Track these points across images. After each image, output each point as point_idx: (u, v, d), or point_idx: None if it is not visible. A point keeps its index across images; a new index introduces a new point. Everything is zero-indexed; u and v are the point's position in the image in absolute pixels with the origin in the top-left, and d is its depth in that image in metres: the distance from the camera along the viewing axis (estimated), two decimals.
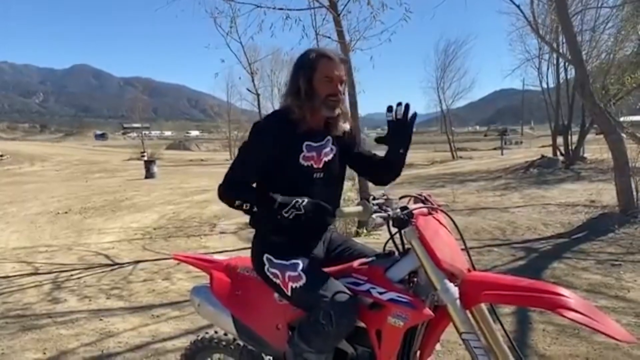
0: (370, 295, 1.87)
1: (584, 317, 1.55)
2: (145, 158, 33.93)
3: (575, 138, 18.49)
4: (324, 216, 1.93)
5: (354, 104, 8.14)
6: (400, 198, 1.98)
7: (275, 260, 2.04)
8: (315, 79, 2.08)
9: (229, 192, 2.05)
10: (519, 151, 33.73)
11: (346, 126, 2.25)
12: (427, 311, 1.76)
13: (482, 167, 20.61)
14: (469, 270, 1.84)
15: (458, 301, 1.74)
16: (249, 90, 7.93)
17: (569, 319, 1.56)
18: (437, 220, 1.91)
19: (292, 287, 1.97)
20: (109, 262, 6.71)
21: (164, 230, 9.21)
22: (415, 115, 2.12)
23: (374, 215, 1.82)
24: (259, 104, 8.48)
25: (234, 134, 41.29)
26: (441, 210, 1.95)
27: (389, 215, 1.83)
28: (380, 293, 1.85)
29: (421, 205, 1.94)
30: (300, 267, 1.98)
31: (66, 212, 11.62)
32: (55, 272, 6.27)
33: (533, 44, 20.92)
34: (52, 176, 25.59)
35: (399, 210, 1.85)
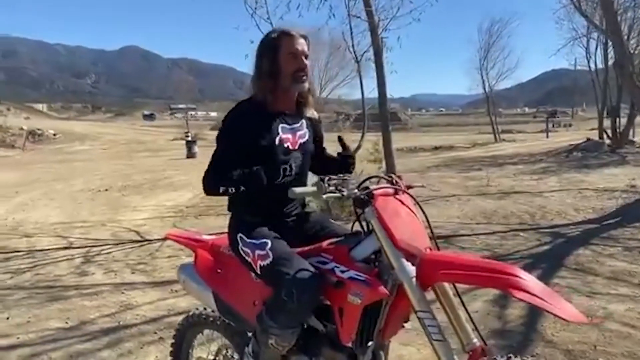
0: (333, 274, 1.90)
1: (535, 297, 1.53)
2: (189, 138, 34.70)
3: (624, 121, 17.75)
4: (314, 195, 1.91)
5: (382, 84, 8.08)
6: (367, 179, 1.99)
7: (247, 239, 2.10)
8: (280, 58, 2.12)
9: (214, 182, 2.07)
10: (566, 134, 32.64)
11: (314, 112, 2.32)
12: (382, 289, 1.78)
13: (523, 150, 20.08)
14: (429, 250, 1.84)
15: (414, 280, 1.74)
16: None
17: (519, 299, 1.55)
18: (401, 201, 1.91)
19: (260, 265, 2.03)
20: (139, 239, 6.97)
21: (196, 208, 9.45)
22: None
23: (324, 196, 1.82)
24: None
25: None
26: (405, 192, 1.95)
27: (342, 195, 1.84)
28: (342, 272, 1.88)
29: (382, 185, 1.95)
30: (269, 245, 2.03)
31: (106, 190, 12.07)
32: (88, 246, 6.56)
33: (581, 22, 20.05)
34: (100, 155, 26.56)
35: (356, 190, 1.87)
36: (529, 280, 1.60)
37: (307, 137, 2.25)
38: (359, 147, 9.36)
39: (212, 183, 2.07)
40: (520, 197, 9.08)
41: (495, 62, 32.40)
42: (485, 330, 3.62)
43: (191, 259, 2.47)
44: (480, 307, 4.00)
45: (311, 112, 2.30)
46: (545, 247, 5.77)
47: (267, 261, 2.00)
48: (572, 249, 5.57)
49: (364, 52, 9.27)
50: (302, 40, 2.14)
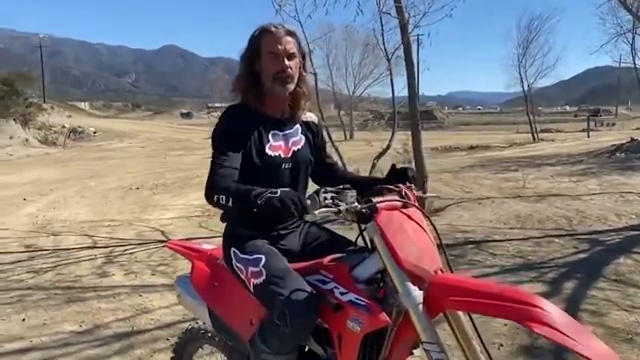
0: (332, 295, 1.72)
1: (558, 333, 1.32)
2: None
3: None
4: (294, 210, 1.66)
5: (412, 82, 7.84)
6: (374, 189, 1.79)
7: (240, 255, 1.95)
8: (262, 58, 1.96)
9: (209, 189, 1.88)
10: (609, 133, 31.45)
11: (313, 117, 2.14)
12: (384, 317, 1.59)
13: (562, 151, 19.39)
14: (440, 272, 1.64)
15: (420, 307, 1.55)
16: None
17: (540, 334, 1.34)
18: (408, 215, 1.71)
19: (253, 283, 1.87)
20: (163, 239, 6.92)
21: None
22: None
23: (316, 212, 1.62)
24: (316, 84, 8.34)
25: None
26: (414, 206, 1.75)
27: (339, 210, 1.64)
28: (342, 294, 1.70)
29: (387, 198, 1.75)
30: (262, 262, 1.87)
31: (138, 188, 12.15)
32: (112, 246, 6.55)
33: (626, 17, 19.20)
34: (136, 153, 26.98)
35: (356, 204, 1.68)
36: (552, 312, 1.38)
37: (302, 144, 2.07)
38: (388, 147, 9.12)
39: (207, 191, 1.91)
40: (557, 200, 8.68)
41: (534, 59, 31.43)
42: (514, 347, 3.40)
43: None
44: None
45: (308, 116, 2.13)
46: (582, 255, 5.44)
47: (260, 279, 1.84)
48: (612, 258, 5.23)
49: (395, 50, 9.02)
50: (286, 39, 1.96)
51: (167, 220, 8.31)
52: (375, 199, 1.70)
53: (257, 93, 1.99)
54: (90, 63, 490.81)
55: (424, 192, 2.01)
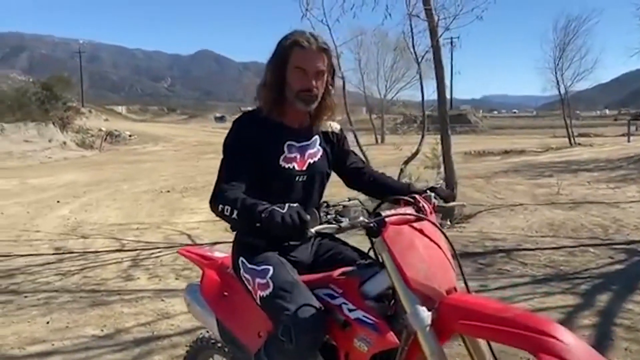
0: (341, 312, 1.63)
1: None
2: None
3: None
4: (292, 229, 1.53)
5: (441, 85, 7.69)
6: (386, 201, 1.70)
7: (248, 265, 1.87)
8: (288, 70, 1.86)
9: (213, 198, 1.84)
10: None
11: (335, 125, 2.04)
12: (392, 338, 1.50)
13: (601, 156, 18.77)
14: (454, 291, 1.53)
15: (428, 329, 1.45)
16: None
17: None
18: (420, 230, 1.61)
19: (260, 295, 1.80)
20: (189, 242, 6.94)
21: None
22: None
23: (313, 230, 1.51)
24: (344, 88, 8.26)
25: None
26: (427, 220, 1.64)
27: (339, 227, 1.54)
28: (350, 310, 1.61)
29: (397, 212, 1.65)
30: (270, 273, 1.79)
31: (168, 191, 12.29)
32: (139, 249, 6.60)
33: None
34: (170, 156, 27.39)
35: (362, 218, 1.58)
36: (570, 342, 1.25)
37: (318, 157, 1.98)
38: (417, 152, 8.96)
39: (212, 200, 1.85)
40: (593, 207, 8.36)
41: (571, 61, 30.61)
42: None
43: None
44: None
45: (328, 125, 2.03)
46: (619, 266, 5.20)
47: (267, 292, 1.76)
48: None
49: (425, 53, 8.85)
50: (317, 55, 1.85)
51: (194, 223, 8.35)
52: (384, 213, 1.60)
53: (281, 106, 1.90)
54: (128, 68, 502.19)
55: (448, 200, 1.87)
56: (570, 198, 9.43)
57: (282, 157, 1.90)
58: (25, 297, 4.83)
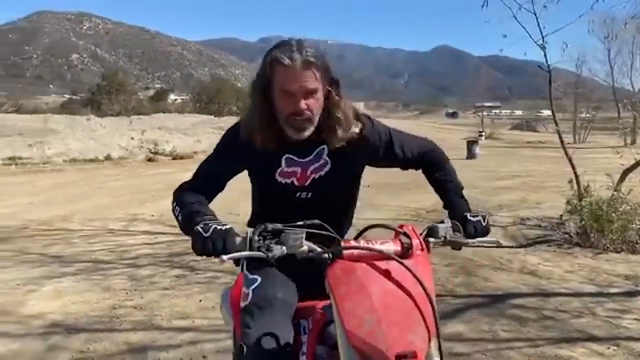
0: (299, 352, 1.35)
1: None
2: (482, 138, 33.83)
3: None
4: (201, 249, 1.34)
5: None
6: (366, 229, 1.34)
7: (245, 270, 1.76)
8: (274, 92, 1.57)
9: (175, 195, 1.69)
10: None
11: (354, 130, 1.69)
12: None
13: None
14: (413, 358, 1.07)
15: None
16: (539, 67, 6.81)
17: None
18: (385, 271, 1.21)
19: (241, 305, 1.65)
20: None
21: (435, 213, 8.89)
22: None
23: (225, 257, 1.27)
24: (550, 81, 7.19)
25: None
26: (395, 259, 1.22)
27: (267, 256, 1.27)
28: (302, 354, 1.33)
29: (358, 245, 1.27)
30: (254, 285, 1.62)
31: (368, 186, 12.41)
32: None
33: None
34: None
35: (305, 247, 1.29)
36: None
37: (324, 172, 1.69)
38: None
39: (173, 195, 1.69)
40: None
41: None
42: None
43: None
44: None
45: (341, 140, 1.68)
46: None
47: (245, 303, 1.62)
48: None
49: None
50: (303, 73, 1.52)
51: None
52: (346, 243, 1.27)
53: (276, 134, 1.63)
54: (369, 65, 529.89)
55: (476, 236, 1.40)
56: None
57: (278, 172, 1.69)
58: (197, 274, 5.28)
